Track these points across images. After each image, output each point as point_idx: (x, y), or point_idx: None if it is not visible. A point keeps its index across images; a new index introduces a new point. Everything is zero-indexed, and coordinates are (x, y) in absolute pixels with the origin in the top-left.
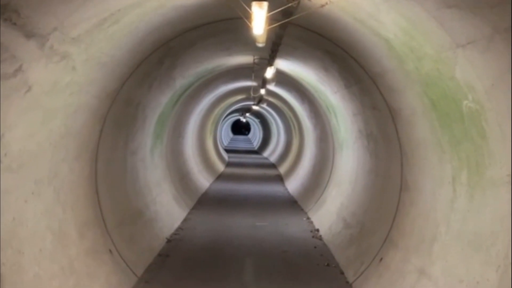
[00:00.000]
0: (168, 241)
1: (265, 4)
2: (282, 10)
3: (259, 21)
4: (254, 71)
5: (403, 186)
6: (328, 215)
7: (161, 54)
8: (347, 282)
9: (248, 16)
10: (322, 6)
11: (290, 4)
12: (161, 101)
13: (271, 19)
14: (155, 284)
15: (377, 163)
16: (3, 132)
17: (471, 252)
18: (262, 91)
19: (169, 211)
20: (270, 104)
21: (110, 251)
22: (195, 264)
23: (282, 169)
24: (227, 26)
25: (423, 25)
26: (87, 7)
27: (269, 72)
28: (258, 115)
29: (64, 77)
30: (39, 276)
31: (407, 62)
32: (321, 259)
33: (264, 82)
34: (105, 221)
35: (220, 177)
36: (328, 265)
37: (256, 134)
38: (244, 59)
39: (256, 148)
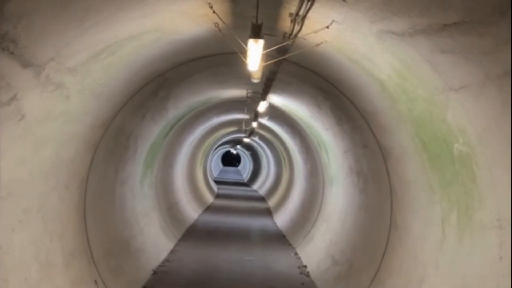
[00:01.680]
0: (154, 273)
1: (261, 41)
2: (277, 48)
3: (254, 58)
4: (247, 104)
5: (392, 225)
6: (317, 251)
7: (156, 86)
8: None
9: (243, 51)
10: (317, 45)
11: (286, 43)
12: (154, 131)
13: (266, 56)
14: None
15: (366, 200)
16: None
17: None
18: (254, 124)
19: (156, 242)
20: (262, 137)
21: (96, 282)
22: None
23: (271, 203)
24: (222, 60)
25: (416, 68)
26: (84, 38)
27: (262, 106)
28: (249, 147)
29: (58, 106)
30: None
31: (400, 102)
32: None
33: (256, 116)
34: (92, 251)
35: (209, 208)
36: None
37: (246, 166)
38: (237, 92)
39: (245, 180)
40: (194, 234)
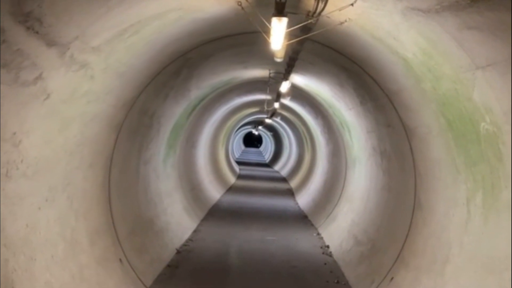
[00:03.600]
0: (178, 252)
1: (285, 19)
2: (301, 26)
3: (278, 36)
4: (269, 85)
5: (416, 205)
6: (339, 231)
7: (178, 65)
8: None
9: (266, 30)
10: (341, 23)
11: (309, 21)
12: (176, 112)
13: (289, 35)
14: None
15: (390, 181)
16: (20, 139)
17: (485, 275)
18: (276, 105)
19: (179, 222)
20: (283, 118)
21: (120, 260)
22: (204, 276)
23: (293, 183)
24: (244, 40)
25: (442, 46)
26: (109, 17)
27: (284, 87)
28: (270, 128)
29: (82, 86)
30: (50, 283)
31: (425, 81)
32: (330, 276)
33: (278, 96)
34: (116, 229)
35: (231, 189)
36: (338, 282)
37: (267, 147)
38: (259, 72)
39: (267, 161)
40: (216, 214)
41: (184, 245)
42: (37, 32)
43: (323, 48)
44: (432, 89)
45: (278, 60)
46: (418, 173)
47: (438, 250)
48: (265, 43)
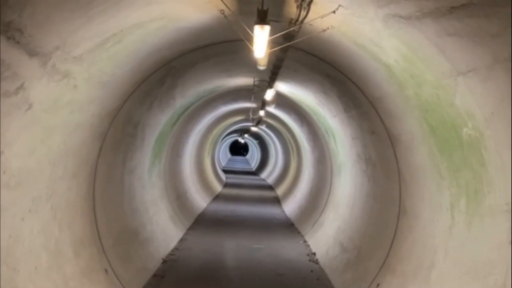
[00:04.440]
0: (164, 261)
1: (267, 27)
2: (284, 34)
3: (261, 44)
4: (254, 92)
5: (401, 211)
6: (325, 238)
7: (162, 74)
8: None
9: (249, 38)
10: (324, 30)
11: (292, 28)
12: (161, 120)
13: (272, 42)
14: None
15: (375, 187)
16: (2, 149)
17: (469, 280)
18: (261, 113)
19: (165, 231)
20: (269, 126)
21: (106, 270)
22: (191, 286)
23: (280, 191)
24: (228, 48)
25: (424, 52)
26: (90, 26)
27: (269, 94)
28: (256, 136)
29: (65, 95)
30: None
31: (407, 87)
32: (317, 283)
33: (263, 104)
34: (101, 239)
35: (218, 197)
36: None
37: (254, 155)
38: (244, 80)
39: (254, 169)
40: (203, 223)
41: (170, 254)
42: (18, 42)
43: (306, 56)
44: (414, 96)
45: (262, 68)
46: (402, 180)
47: (423, 256)
48: (248, 51)
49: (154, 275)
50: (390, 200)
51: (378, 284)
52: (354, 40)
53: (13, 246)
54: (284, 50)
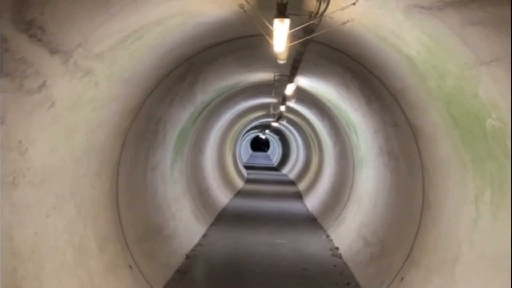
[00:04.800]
0: (187, 257)
1: (287, 21)
2: (303, 27)
3: (280, 38)
4: (274, 87)
5: (425, 204)
6: (348, 233)
7: (183, 70)
8: None
9: (269, 33)
10: (344, 23)
11: (312, 21)
12: (182, 117)
13: (292, 36)
14: None
15: (398, 180)
16: (26, 147)
17: (494, 273)
18: (282, 108)
19: (188, 227)
20: (290, 121)
21: (130, 266)
22: (214, 281)
23: (301, 186)
24: (248, 43)
25: (446, 43)
26: (111, 23)
27: (289, 89)
28: (277, 131)
29: (87, 93)
30: None
31: (430, 79)
32: (341, 278)
33: (284, 99)
34: (125, 236)
35: (239, 193)
36: (348, 283)
37: (275, 151)
38: (264, 75)
39: (275, 165)
40: (225, 218)
41: (193, 250)
42: (39, 40)
43: (327, 49)
44: (437, 87)
45: (281, 62)
46: (426, 172)
47: (448, 249)
48: (268, 46)
49: (178, 271)
50: (414, 193)
51: (402, 278)
52: (375, 32)
53: (39, 243)
54: (304, 44)
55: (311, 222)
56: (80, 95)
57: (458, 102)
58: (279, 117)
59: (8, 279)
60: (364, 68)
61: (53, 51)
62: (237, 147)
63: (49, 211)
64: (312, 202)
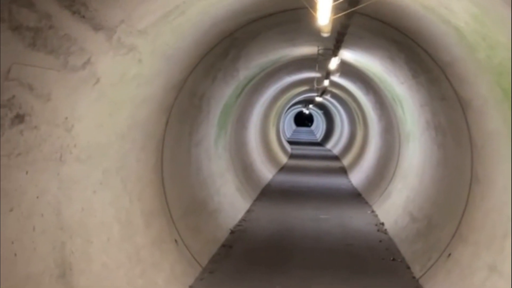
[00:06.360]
0: (232, 232)
1: None
2: None
3: (324, 11)
4: (318, 62)
5: (474, 179)
6: (394, 208)
7: (226, 46)
8: (414, 277)
9: (313, 5)
10: None
11: None
12: (225, 93)
13: (336, 9)
14: (220, 275)
15: (445, 155)
16: (72, 123)
17: None
18: (326, 83)
19: (232, 202)
20: (334, 96)
21: (176, 241)
22: (259, 256)
23: (346, 161)
24: (291, 17)
25: (496, 12)
26: None
27: (334, 63)
28: (321, 106)
29: (131, 69)
30: (107, 265)
31: (479, 50)
32: (386, 253)
33: (328, 73)
34: (171, 211)
35: (283, 169)
36: (393, 259)
37: (319, 126)
38: (308, 49)
39: (319, 140)
40: (269, 194)
41: (238, 225)
42: (83, 17)
43: (372, 21)
44: (486, 59)
45: (325, 35)
46: (474, 147)
47: (497, 225)
48: (312, 19)
49: (223, 245)
50: (461, 168)
51: (450, 254)
52: (422, 3)
53: (86, 218)
54: (348, 16)
55: (356, 197)
56: (124, 71)
57: (509, 74)
58: (323, 91)
59: (57, 253)
60: (410, 40)
61: (97, 28)
62: (281, 122)
63: (96, 186)
64: (357, 177)
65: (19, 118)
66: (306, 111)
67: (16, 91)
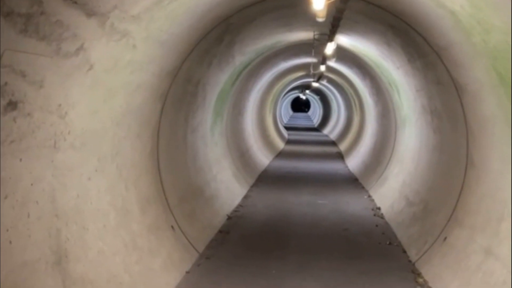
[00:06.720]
0: (229, 218)
1: None
2: None
3: None
4: (314, 47)
5: (469, 163)
6: (390, 193)
7: (221, 31)
8: (410, 261)
9: None
10: None
11: None
12: (221, 79)
13: None
14: (216, 261)
15: (441, 140)
16: (66, 110)
17: None
18: (322, 68)
19: (229, 188)
20: (330, 81)
21: (172, 227)
22: (256, 241)
23: (343, 147)
24: (286, 1)
25: None
26: None
27: (330, 48)
28: (318, 92)
29: (124, 55)
30: (103, 252)
31: (474, 34)
32: (383, 238)
33: (324, 59)
34: (167, 197)
35: (280, 154)
36: (390, 243)
37: (316, 111)
38: (304, 35)
39: (316, 126)
40: (266, 179)
41: (234, 211)
42: (75, 2)
43: (367, 6)
44: (482, 43)
45: (321, 20)
46: (470, 131)
47: (492, 208)
48: (307, 4)
49: (220, 231)
50: (457, 152)
51: (445, 238)
52: None
53: (82, 205)
54: (343, 1)
55: (353, 182)
56: (118, 57)
57: (505, 58)
58: (320, 77)
59: (53, 240)
60: (406, 25)
61: (90, 14)
62: (278, 108)
63: (91, 173)
64: (354, 163)
65: (12, 105)
66: (303, 97)
67: (8, 78)
